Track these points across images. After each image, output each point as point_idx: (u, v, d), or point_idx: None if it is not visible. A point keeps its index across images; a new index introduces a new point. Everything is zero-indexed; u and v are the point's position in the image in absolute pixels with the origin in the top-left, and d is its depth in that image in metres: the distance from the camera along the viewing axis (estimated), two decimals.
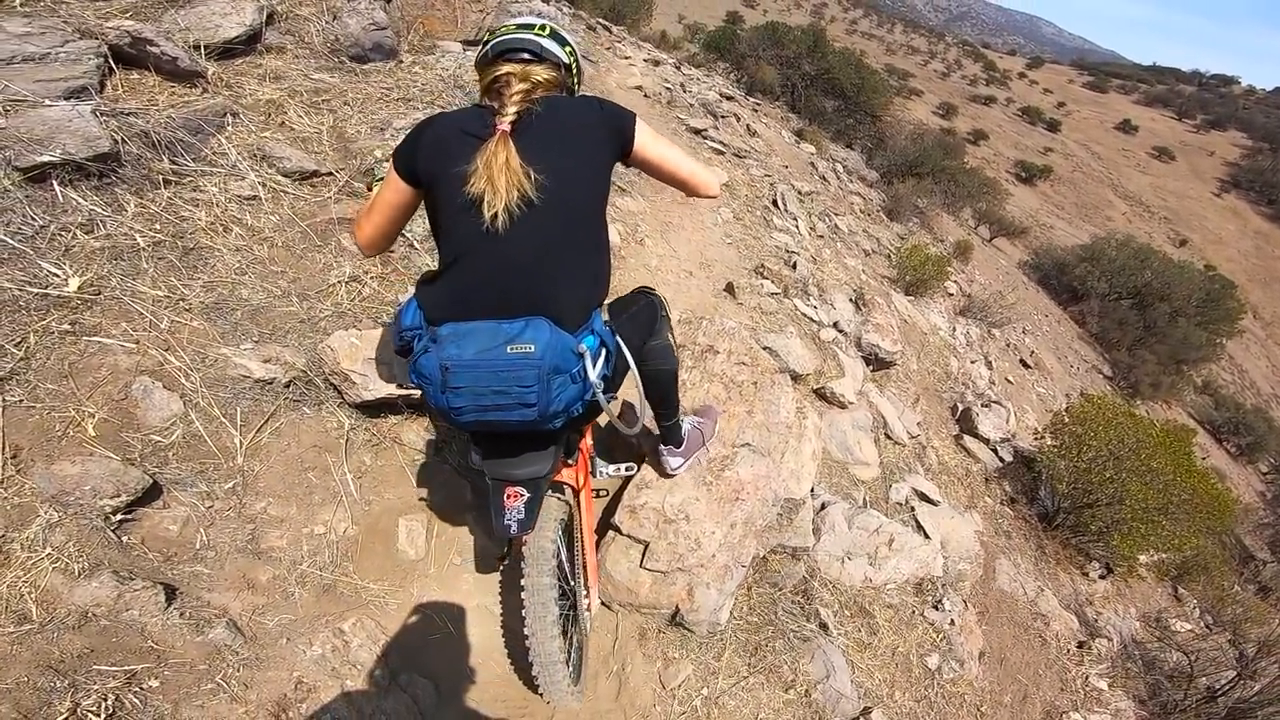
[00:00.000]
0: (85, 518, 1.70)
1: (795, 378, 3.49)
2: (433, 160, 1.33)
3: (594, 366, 1.38)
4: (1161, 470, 4.15)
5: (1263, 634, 4.34)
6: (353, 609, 1.94)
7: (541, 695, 1.76)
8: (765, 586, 2.78)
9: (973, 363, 7.43)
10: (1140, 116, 63.83)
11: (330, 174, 2.83)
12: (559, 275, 1.33)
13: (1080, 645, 4.09)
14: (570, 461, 1.84)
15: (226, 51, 3.02)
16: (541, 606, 1.60)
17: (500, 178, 1.23)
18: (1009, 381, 8.67)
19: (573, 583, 1.83)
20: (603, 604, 2.30)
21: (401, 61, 3.72)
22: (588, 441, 2.03)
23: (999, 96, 59.68)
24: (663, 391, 1.84)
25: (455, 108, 1.57)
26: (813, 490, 3.22)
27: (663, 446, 2.17)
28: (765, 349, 3.40)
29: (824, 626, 2.88)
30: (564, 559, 1.72)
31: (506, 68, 1.37)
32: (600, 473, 2.15)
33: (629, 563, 2.29)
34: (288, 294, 2.43)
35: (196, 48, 2.87)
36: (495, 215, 1.24)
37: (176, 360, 2.06)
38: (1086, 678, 3.92)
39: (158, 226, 2.31)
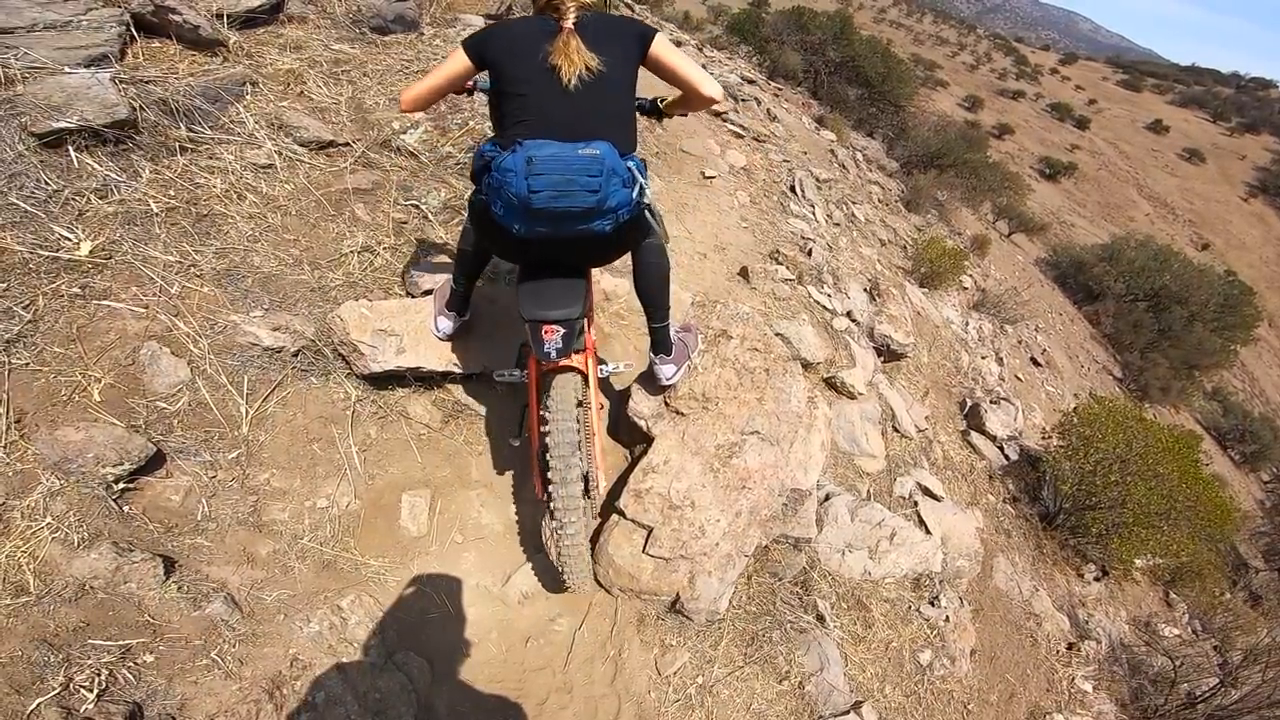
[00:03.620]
0: (87, 486, 1.69)
1: (806, 366, 3.46)
2: (505, 48, 1.70)
3: (642, 179, 1.75)
4: (1167, 475, 4.10)
5: (1250, 643, 4.30)
6: (352, 585, 1.94)
7: (563, 573, 1.95)
8: (765, 576, 2.78)
9: (983, 358, 7.35)
10: (1173, 117, 61.91)
11: (347, 144, 2.82)
12: (607, 123, 1.72)
13: (1069, 647, 4.09)
14: (579, 349, 2.00)
15: (249, 20, 3.00)
16: (568, 479, 1.82)
17: (575, 55, 1.63)
18: (1019, 379, 8.58)
19: (585, 465, 1.99)
20: (602, 587, 2.30)
21: (423, 34, 3.68)
22: (592, 336, 2.21)
23: (1028, 91, 58.19)
24: (657, 288, 2.13)
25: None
26: (818, 481, 3.21)
27: (654, 357, 2.35)
28: (777, 335, 3.37)
29: (821, 619, 2.88)
30: (582, 447, 1.92)
31: None
32: (601, 370, 2.29)
33: (631, 548, 2.28)
34: (299, 263, 2.42)
35: (219, 16, 2.85)
36: (570, 80, 1.64)
37: (185, 326, 2.05)
38: (1073, 679, 3.92)
39: (172, 193, 2.30)
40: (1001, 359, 8.13)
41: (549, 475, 1.84)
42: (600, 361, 2.24)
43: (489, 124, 1.91)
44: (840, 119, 13.41)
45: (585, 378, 2.05)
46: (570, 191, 1.60)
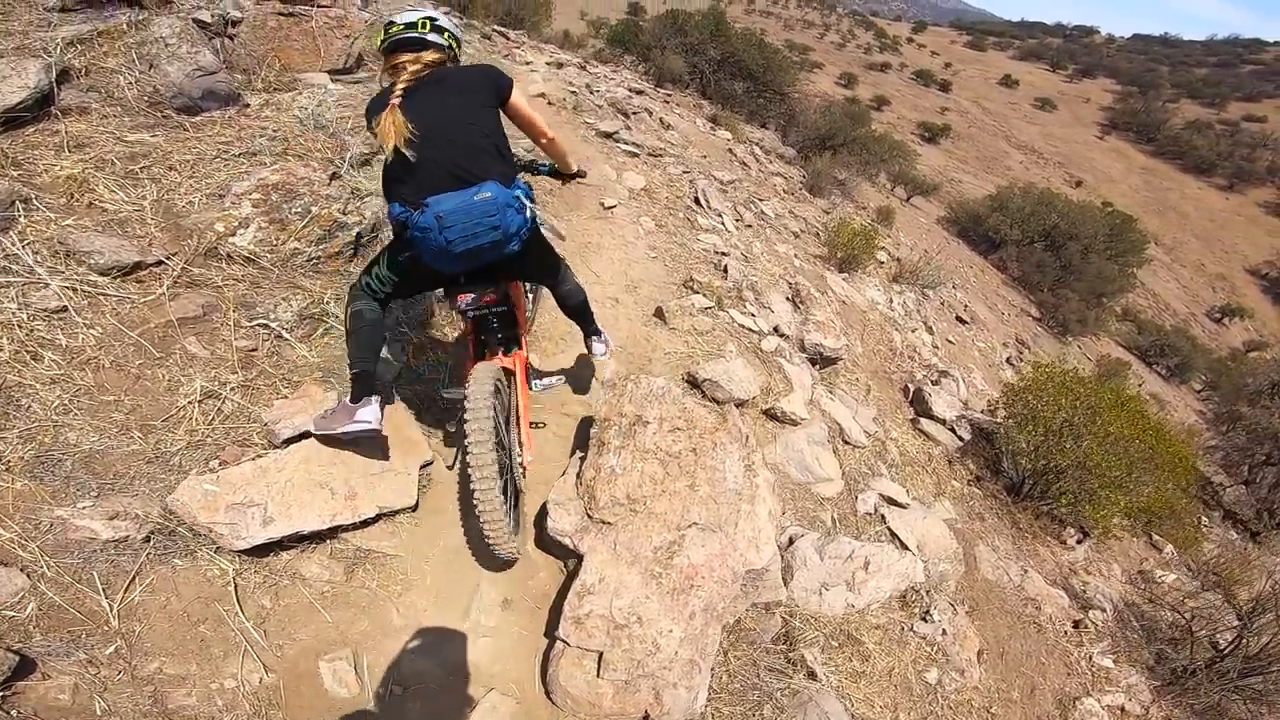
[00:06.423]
0: None
1: (740, 404, 3.20)
2: (370, 120, 1.97)
3: (529, 203, 2.05)
4: (1120, 434, 4.08)
5: (1256, 591, 4.31)
6: None
7: (487, 541, 2.03)
8: (743, 646, 2.54)
9: (914, 332, 7.38)
10: (1018, 71, 66.91)
11: (161, 262, 2.31)
12: (477, 162, 1.94)
13: (1076, 625, 3.99)
14: (513, 349, 2.40)
15: (10, 120, 2.46)
16: (482, 456, 1.92)
17: (390, 130, 1.85)
18: (950, 342, 8.72)
19: (508, 444, 2.20)
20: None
21: (248, 106, 3.19)
22: (524, 354, 2.49)
23: (893, 62, 61.45)
24: (582, 313, 2.64)
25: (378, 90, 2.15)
26: (778, 525, 2.96)
27: (589, 341, 2.76)
28: (705, 381, 3.10)
29: (812, 674, 2.65)
30: (499, 420, 2.08)
31: (403, 56, 1.98)
32: (534, 384, 2.56)
33: (584, 675, 2.00)
34: (126, 428, 2.00)
35: None
36: (396, 150, 1.87)
37: (4, 531, 1.74)
38: (1090, 658, 3.82)
39: None
40: (931, 327, 8.22)
41: (467, 447, 1.93)
42: (537, 375, 2.59)
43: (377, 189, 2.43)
44: (732, 115, 13.50)
45: (510, 374, 2.32)
46: (478, 232, 1.87)
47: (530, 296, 2.99)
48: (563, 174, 2.56)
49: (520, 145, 3.10)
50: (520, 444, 2.31)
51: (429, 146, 1.86)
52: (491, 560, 2.20)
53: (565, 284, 2.47)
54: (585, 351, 2.82)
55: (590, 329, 2.74)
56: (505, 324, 2.34)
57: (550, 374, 2.69)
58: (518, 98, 2.11)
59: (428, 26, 1.99)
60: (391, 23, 2.00)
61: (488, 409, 1.94)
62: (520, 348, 2.44)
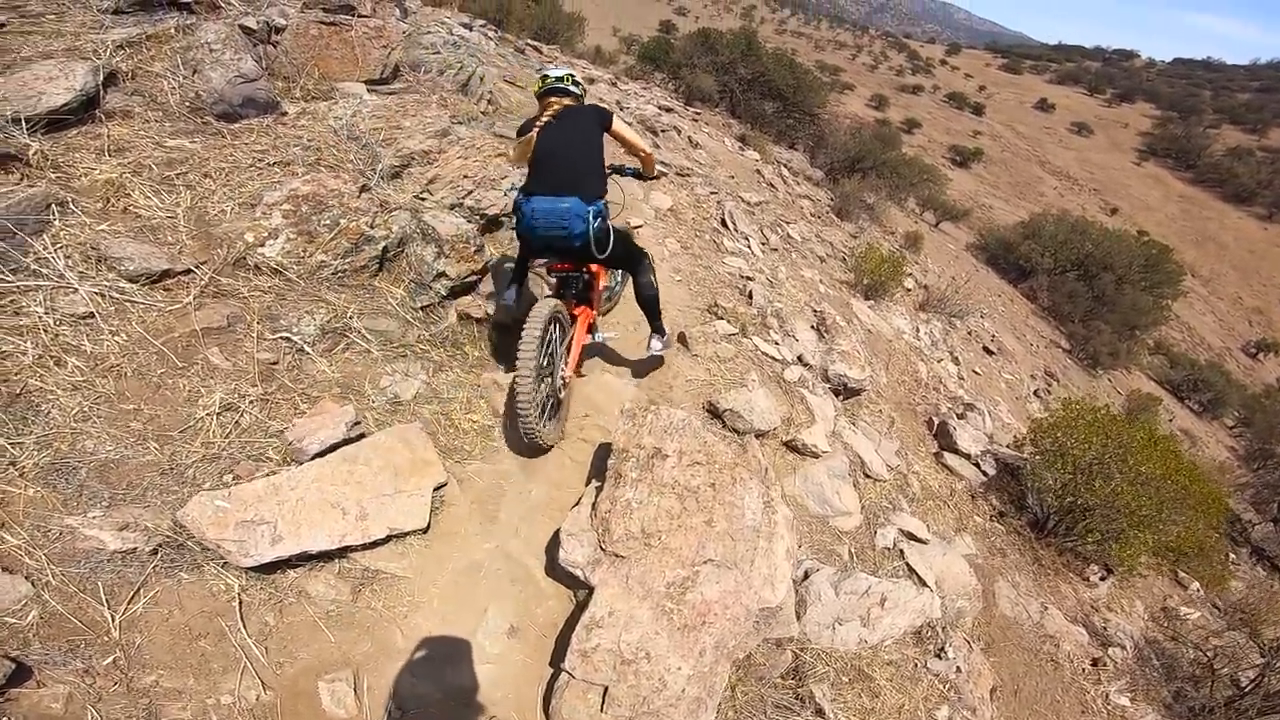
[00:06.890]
0: None
1: (761, 435, 3.13)
2: (519, 135, 2.81)
3: (595, 219, 2.68)
4: (1152, 475, 3.94)
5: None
6: None
7: (522, 432, 2.51)
8: (751, 682, 2.46)
9: (939, 362, 7.23)
10: (1055, 94, 65.89)
11: (189, 271, 2.32)
12: (577, 179, 2.68)
13: (1094, 663, 3.86)
14: (583, 304, 3.07)
15: (55, 123, 2.51)
16: (526, 360, 2.35)
17: (528, 147, 2.71)
18: (976, 373, 8.53)
19: (554, 358, 2.70)
20: None
21: (284, 114, 3.24)
22: (591, 312, 3.13)
23: (925, 85, 61.13)
24: (650, 307, 3.19)
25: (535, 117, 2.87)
26: (794, 560, 2.89)
27: (649, 338, 3.29)
28: (726, 411, 3.05)
29: (820, 712, 2.57)
30: (554, 339, 2.67)
31: (552, 99, 2.87)
32: (594, 335, 3.19)
33: (588, 709, 1.94)
34: (143, 438, 2.00)
35: (15, 121, 2.37)
36: (518, 163, 2.94)
37: (12, 538, 1.74)
38: (1107, 696, 3.70)
39: None
40: (957, 358, 8.06)
41: (516, 352, 2.39)
42: (598, 330, 3.23)
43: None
44: (761, 135, 13.51)
45: (574, 318, 2.99)
46: (551, 224, 2.62)
47: (619, 280, 3.78)
48: (644, 175, 3.29)
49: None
50: (565, 364, 2.87)
51: (553, 160, 2.67)
52: (524, 447, 2.66)
53: (642, 276, 3.09)
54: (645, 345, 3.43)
55: (655, 325, 3.28)
56: (581, 287, 3.01)
57: (609, 333, 3.35)
58: (618, 124, 2.92)
59: (569, 80, 2.90)
60: (546, 75, 2.91)
61: (540, 323, 2.45)
62: (590, 307, 3.11)
